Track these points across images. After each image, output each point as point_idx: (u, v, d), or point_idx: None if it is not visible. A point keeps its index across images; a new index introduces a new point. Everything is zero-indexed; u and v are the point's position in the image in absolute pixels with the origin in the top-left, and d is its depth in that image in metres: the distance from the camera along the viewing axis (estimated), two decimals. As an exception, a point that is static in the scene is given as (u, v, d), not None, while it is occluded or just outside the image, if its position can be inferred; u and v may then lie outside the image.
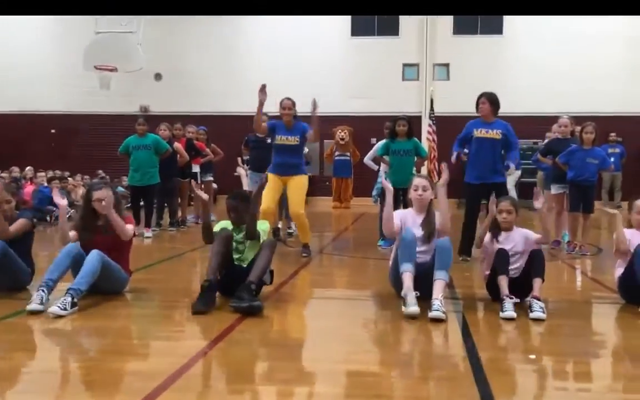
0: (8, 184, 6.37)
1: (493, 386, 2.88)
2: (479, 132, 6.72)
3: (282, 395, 2.85)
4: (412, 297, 4.18)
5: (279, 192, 7.27)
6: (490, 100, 6.72)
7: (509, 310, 4.17)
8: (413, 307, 4.13)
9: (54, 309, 4.01)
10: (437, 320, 4.01)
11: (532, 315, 4.14)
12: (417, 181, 4.84)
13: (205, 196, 5.20)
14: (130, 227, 4.78)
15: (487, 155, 6.69)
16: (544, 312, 4.13)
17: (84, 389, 2.90)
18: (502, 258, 4.52)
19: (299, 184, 7.16)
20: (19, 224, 4.85)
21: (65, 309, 4.03)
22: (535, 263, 4.50)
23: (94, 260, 4.39)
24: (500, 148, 6.78)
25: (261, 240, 4.66)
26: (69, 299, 4.11)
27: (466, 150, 6.98)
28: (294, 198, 7.12)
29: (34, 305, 4.10)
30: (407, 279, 4.32)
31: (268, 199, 7.03)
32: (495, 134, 6.69)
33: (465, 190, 7.00)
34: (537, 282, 4.38)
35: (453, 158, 6.92)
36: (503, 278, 4.42)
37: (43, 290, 4.19)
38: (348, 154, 17.40)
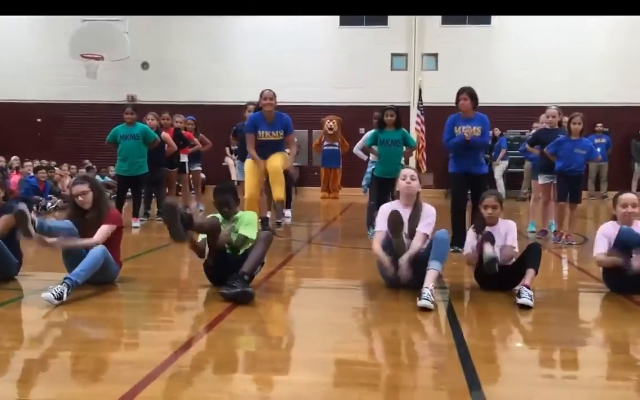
0: (-5, 175, 6.28)
1: (480, 374, 2.91)
2: (459, 130, 6.75)
3: (270, 384, 2.86)
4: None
5: (262, 176, 7.27)
6: (471, 95, 6.76)
7: (489, 252, 4.26)
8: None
9: (47, 295, 4.01)
10: (425, 310, 4.03)
11: (519, 300, 4.16)
12: (405, 171, 4.93)
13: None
14: (104, 227, 4.65)
15: (467, 151, 6.73)
16: (531, 300, 4.15)
17: (73, 378, 2.90)
18: (487, 234, 4.60)
19: (278, 155, 7.44)
20: (3, 219, 4.72)
21: (59, 299, 4.02)
22: (531, 255, 4.53)
23: (99, 256, 4.38)
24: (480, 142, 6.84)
25: (254, 237, 4.64)
26: (65, 289, 4.09)
27: None
28: (275, 159, 7.26)
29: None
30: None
31: (251, 186, 7.02)
32: (474, 130, 6.72)
33: (450, 181, 7.07)
34: (530, 272, 4.40)
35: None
36: (488, 245, 4.46)
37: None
38: (337, 143, 17.35)
